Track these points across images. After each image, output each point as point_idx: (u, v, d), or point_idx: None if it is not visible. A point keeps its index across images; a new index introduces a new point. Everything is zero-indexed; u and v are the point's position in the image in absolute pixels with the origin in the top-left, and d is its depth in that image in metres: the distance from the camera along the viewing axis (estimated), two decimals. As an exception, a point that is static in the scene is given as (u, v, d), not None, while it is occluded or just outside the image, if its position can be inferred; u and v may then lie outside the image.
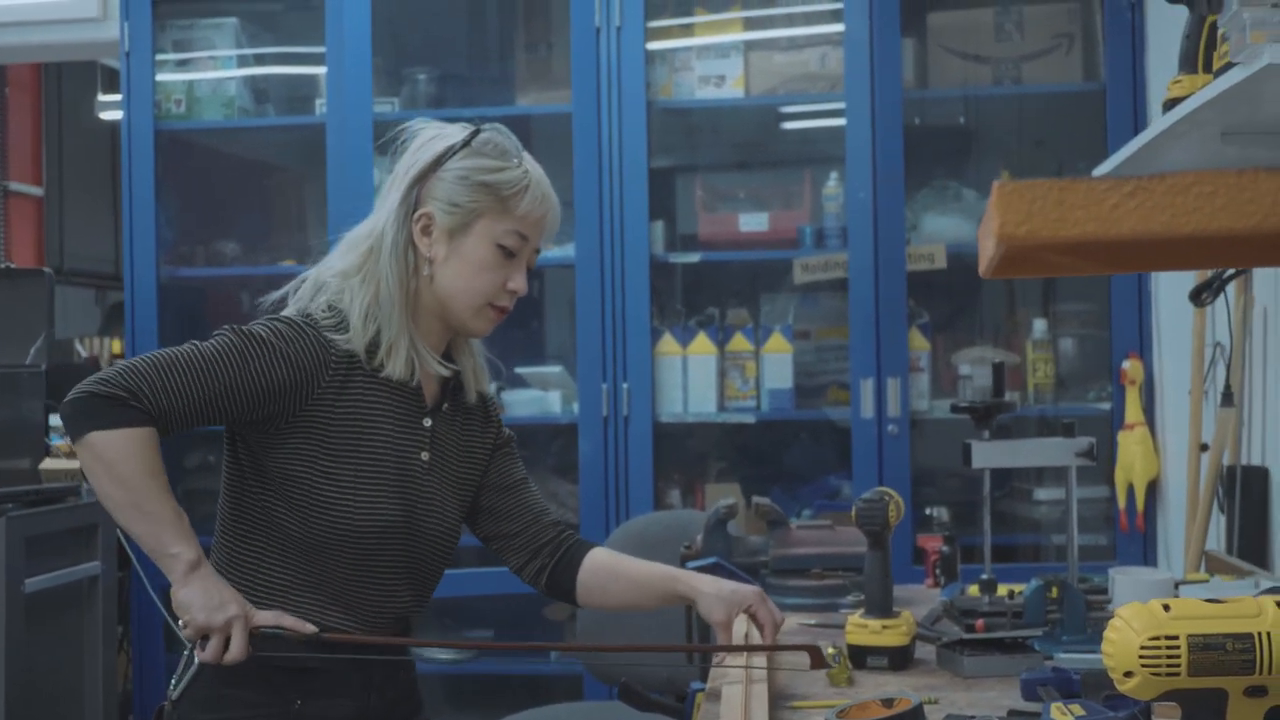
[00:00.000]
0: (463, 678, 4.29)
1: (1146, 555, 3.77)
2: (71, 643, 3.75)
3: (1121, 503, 3.78)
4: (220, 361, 1.89)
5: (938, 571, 2.95)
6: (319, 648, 1.96)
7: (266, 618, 1.92)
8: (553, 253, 4.12)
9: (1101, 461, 3.89)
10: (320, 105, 4.15)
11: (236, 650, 1.87)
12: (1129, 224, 0.92)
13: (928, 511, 3.93)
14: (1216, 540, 3.15)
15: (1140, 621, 1.21)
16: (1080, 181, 0.97)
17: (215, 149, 4.61)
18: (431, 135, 2.06)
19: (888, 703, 1.76)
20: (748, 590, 2.15)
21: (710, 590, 2.13)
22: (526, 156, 2.07)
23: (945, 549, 2.93)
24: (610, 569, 2.22)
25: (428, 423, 2.07)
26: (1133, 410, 3.75)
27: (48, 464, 3.77)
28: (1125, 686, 1.21)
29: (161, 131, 4.20)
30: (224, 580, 1.91)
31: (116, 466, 1.82)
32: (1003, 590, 2.53)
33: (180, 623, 1.89)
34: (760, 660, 2.10)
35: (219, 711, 1.98)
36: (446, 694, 4.28)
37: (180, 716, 2.00)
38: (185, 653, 2.02)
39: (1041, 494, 4.08)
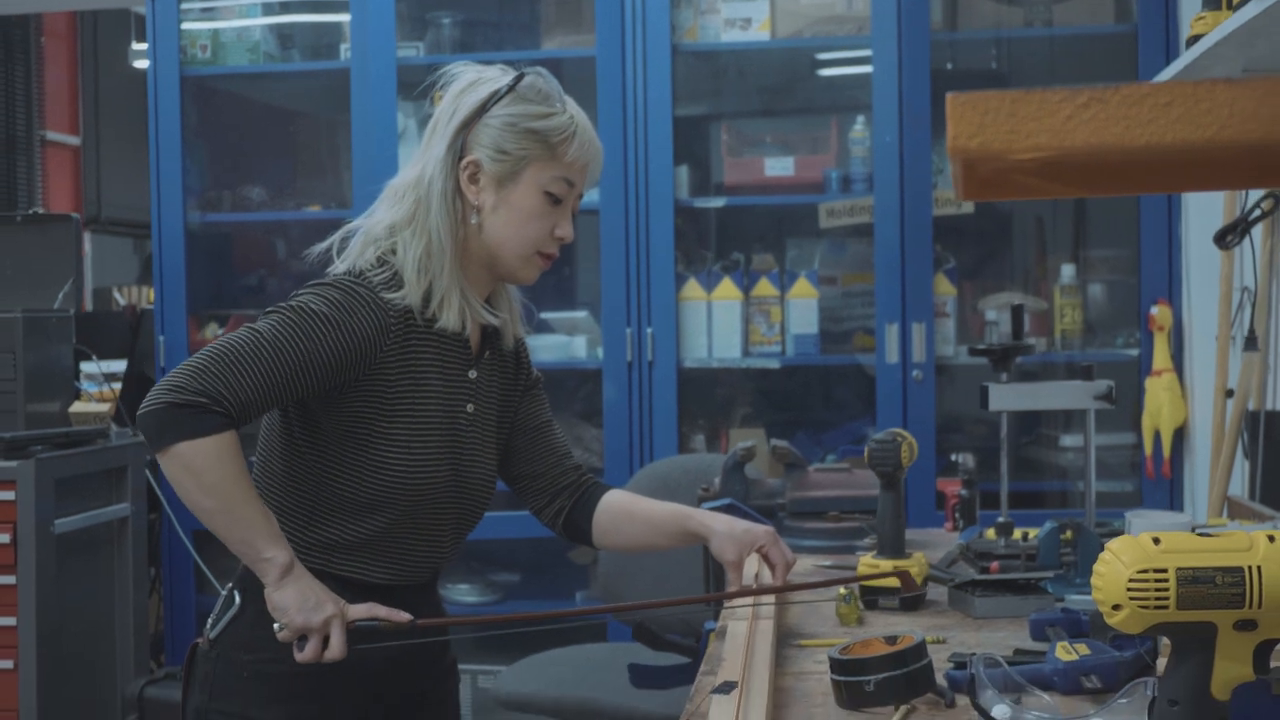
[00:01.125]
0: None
1: (1173, 502, 3.75)
2: (102, 583, 3.81)
3: (1148, 449, 3.75)
4: (285, 346, 1.85)
5: (957, 515, 2.95)
6: (413, 636, 1.94)
7: (360, 611, 1.90)
8: (578, 197, 4.12)
9: (1129, 408, 3.87)
10: (345, 50, 4.15)
11: (336, 649, 1.86)
12: (1083, 136, 0.90)
13: (953, 458, 3.92)
14: (1241, 485, 3.12)
15: (1129, 555, 1.20)
16: (1034, 93, 0.95)
17: (241, 95, 4.63)
18: (472, 80, 2.01)
19: (891, 640, 1.76)
20: (759, 530, 2.15)
21: (722, 529, 2.13)
22: (569, 100, 2.04)
23: (964, 493, 2.92)
24: (625, 510, 2.22)
25: (473, 374, 2.06)
26: (1160, 356, 3.72)
27: (77, 407, 3.81)
28: (1113, 620, 1.21)
29: (187, 78, 4.21)
30: (316, 579, 1.90)
31: (205, 475, 1.80)
32: (1019, 534, 2.53)
33: (276, 625, 1.87)
34: (771, 597, 2.10)
35: (258, 652, 1.97)
36: (475, 635, 4.31)
37: (218, 656, 2.00)
38: (224, 592, 2.04)
39: (1068, 440, 4.06)
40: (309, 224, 4.33)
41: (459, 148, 1.98)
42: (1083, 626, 1.98)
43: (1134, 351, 3.86)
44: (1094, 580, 1.22)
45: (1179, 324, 3.75)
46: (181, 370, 1.81)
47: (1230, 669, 1.21)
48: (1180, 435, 3.73)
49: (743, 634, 1.86)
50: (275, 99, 4.72)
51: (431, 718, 2.19)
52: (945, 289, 3.92)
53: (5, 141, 8.39)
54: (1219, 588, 1.19)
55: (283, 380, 1.84)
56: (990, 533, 2.68)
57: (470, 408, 2.05)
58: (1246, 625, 1.20)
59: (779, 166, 4.05)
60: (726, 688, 1.59)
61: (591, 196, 3.97)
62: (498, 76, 2.01)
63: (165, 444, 1.80)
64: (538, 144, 1.97)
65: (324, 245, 2.06)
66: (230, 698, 1.99)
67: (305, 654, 1.87)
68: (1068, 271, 3.97)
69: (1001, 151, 0.90)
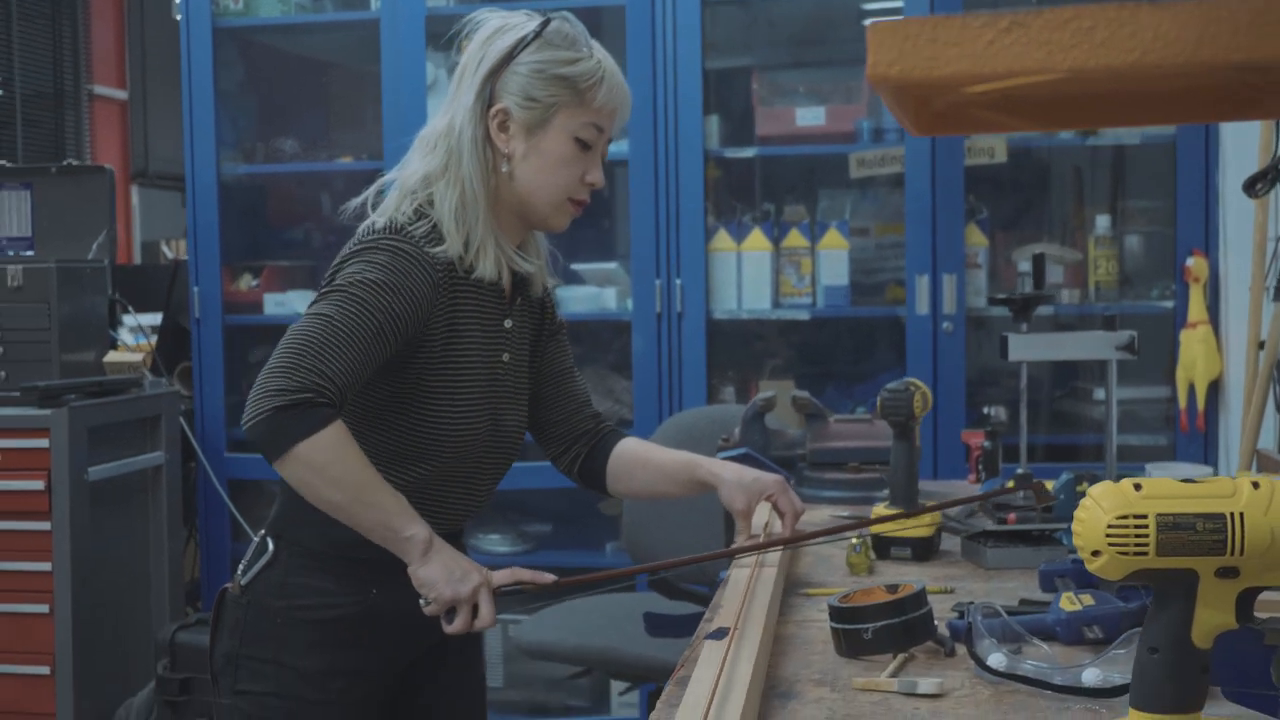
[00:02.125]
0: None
1: (1207, 456, 3.70)
2: (137, 531, 3.86)
3: (1182, 403, 3.71)
4: (357, 322, 1.82)
5: (979, 467, 2.93)
6: (556, 594, 1.95)
7: (504, 576, 1.89)
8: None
9: (1163, 361, 3.83)
10: (376, 1, 4.14)
11: (487, 617, 1.86)
12: (1004, 61, 0.87)
13: (985, 410, 3.89)
14: (1272, 438, 3.08)
15: (1109, 500, 1.19)
16: (954, 17, 0.92)
17: (275, 47, 4.63)
18: (498, 26, 1.99)
19: (892, 589, 1.75)
20: (768, 478, 2.13)
21: (731, 478, 2.12)
22: (596, 45, 2.01)
23: (987, 444, 2.90)
24: (637, 457, 2.22)
25: (508, 324, 2.05)
26: (1196, 308, 3.67)
27: (112, 357, 3.85)
28: (1093, 566, 1.19)
29: (220, 29, 4.23)
30: (456, 550, 1.89)
31: (329, 469, 1.78)
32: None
33: (423, 600, 1.86)
34: (775, 553, 2.09)
35: (291, 598, 1.97)
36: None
37: (250, 602, 2.00)
38: (256, 539, 2.04)
39: (1103, 394, 4.01)
40: (342, 175, 4.34)
41: (487, 96, 1.96)
42: (1092, 578, 1.96)
43: (1169, 304, 3.81)
44: (1074, 526, 1.20)
45: (1215, 275, 3.70)
46: (271, 373, 1.77)
47: (1212, 617, 1.19)
48: (1215, 388, 3.68)
49: (744, 581, 1.86)
50: (307, 51, 4.72)
51: (457, 666, 2.19)
52: (977, 240, 3.88)
53: (53, 97, 8.45)
54: (1200, 534, 1.17)
55: (365, 356, 1.82)
56: (1011, 484, 2.66)
57: (506, 356, 2.05)
58: (1228, 572, 1.18)
59: (810, 116, 4.01)
60: (719, 634, 1.59)
61: (621, 147, 3.97)
62: (524, 22, 1.98)
63: (284, 449, 1.76)
64: (566, 90, 1.95)
65: (359, 200, 2.05)
66: (262, 644, 1.98)
67: (456, 625, 1.86)
68: (1102, 222, 3.92)
69: (922, 80, 0.89)
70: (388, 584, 1.95)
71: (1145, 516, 1.17)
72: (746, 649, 1.52)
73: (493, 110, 1.95)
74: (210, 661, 2.05)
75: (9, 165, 4.07)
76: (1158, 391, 3.89)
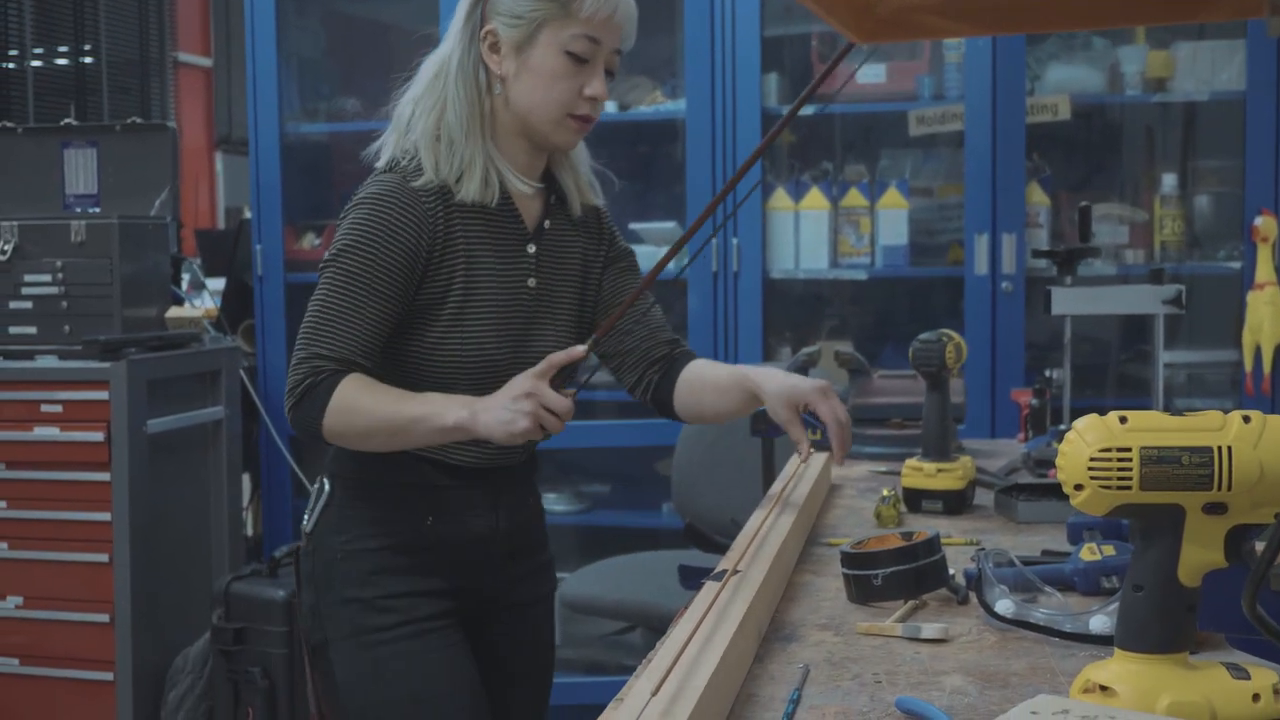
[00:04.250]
0: (580, 528, 4.36)
1: (1273, 420, 3.60)
2: (196, 483, 3.91)
3: (1248, 366, 3.62)
4: (349, 291, 1.86)
5: (1028, 425, 2.88)
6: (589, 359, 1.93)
7: (541, 369, 1.83)
8: (664, 105, 4.08)
9: (1230, 323, 3.74)
10: (436, -40, 4.14)
11: (561, 405, 1.80)
12: None
13: (1046, 372, 3.83)
14: (1335, 401, 3.00)
15: (1093, 434, 1.15)
16: None
17: (337, 10, 4.66)
18: None
19: (907, 535, 1.73)
20: (807, 385, 2.03)
21: (773, 387, 2.04)
22: None
23: (1035, 403, 2.85)
24: (698, 377, 2.14)
25: (531, 248, 2.03)
26: (1264, 269, 3.58)
27: (174, 313, 3.90)
28: (1076, 500, 1.16)
29: (287, -11, 4.26)
30: (489, 394, 1.86)
31: (355, 425, 1.84)
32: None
33: (515, 443, 1.84)
34: (795, 502, 2.07)
35: (349, 531, 2.00)
36: (564, 543, 4.35)
37: (315, 548, 2.03)
38: (315, 485, 2.07)
39: (1169, 357, 3.93)
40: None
41: (478, 18, 1.97)
42: (1122, 530, 1.92)
43: (1236, 264, 3.71)
44: (1058, 460, 1.17)
45: (1285, 235, 3.60)
46: (288, 377, 1.88)
47: (1199, 554, 1.16)
48: (1282, 352, 3.58)
49: (753, 528, 1.84)
50: (370, 14, 4.75)
51: (532, 616, 2.18)
52: (1039, 198, 3.81)
53: (139, 64, 8.58)
54: (1185, 468, 1.13)
55: (364, 318, 1.87)
56: (1057, 442, 2.62)
57: (531, 282, 2.02)
58: (1216, 508, 1.14)
59: (870, 74, 3.95)
60: (718, 575, 1.57)
61: (678, 105, 3.94)
62: None
63: (315, 433, 1.86)
64: (549, 3, 1.93)
65: (375, 145, 2.06)
66: (332, 587, 2.00)
67: (547, 422, 1.81)
68: (1169, 181, 3.83)
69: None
70: (445, 511, 2.01)
71: (1129, 450, 1.14)
72: (744, 590, 1.50)
73: (483, 32, 1.96)
74: (303, 625, 2.07)
75: (76, 124, 4.12)
76: (1224, 355, 3.80)
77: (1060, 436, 2.52)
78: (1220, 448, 1.13)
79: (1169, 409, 3.69)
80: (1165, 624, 1.17)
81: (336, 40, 4.66)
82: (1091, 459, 1.15)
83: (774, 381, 2.05)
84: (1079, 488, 1.16)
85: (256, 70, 4.22)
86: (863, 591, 1.70)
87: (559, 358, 1.84)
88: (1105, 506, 1.15)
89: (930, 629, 1.54)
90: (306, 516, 2.06)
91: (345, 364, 1.85)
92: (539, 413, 1.80)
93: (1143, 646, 1.17)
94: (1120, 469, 1.14)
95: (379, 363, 1.93)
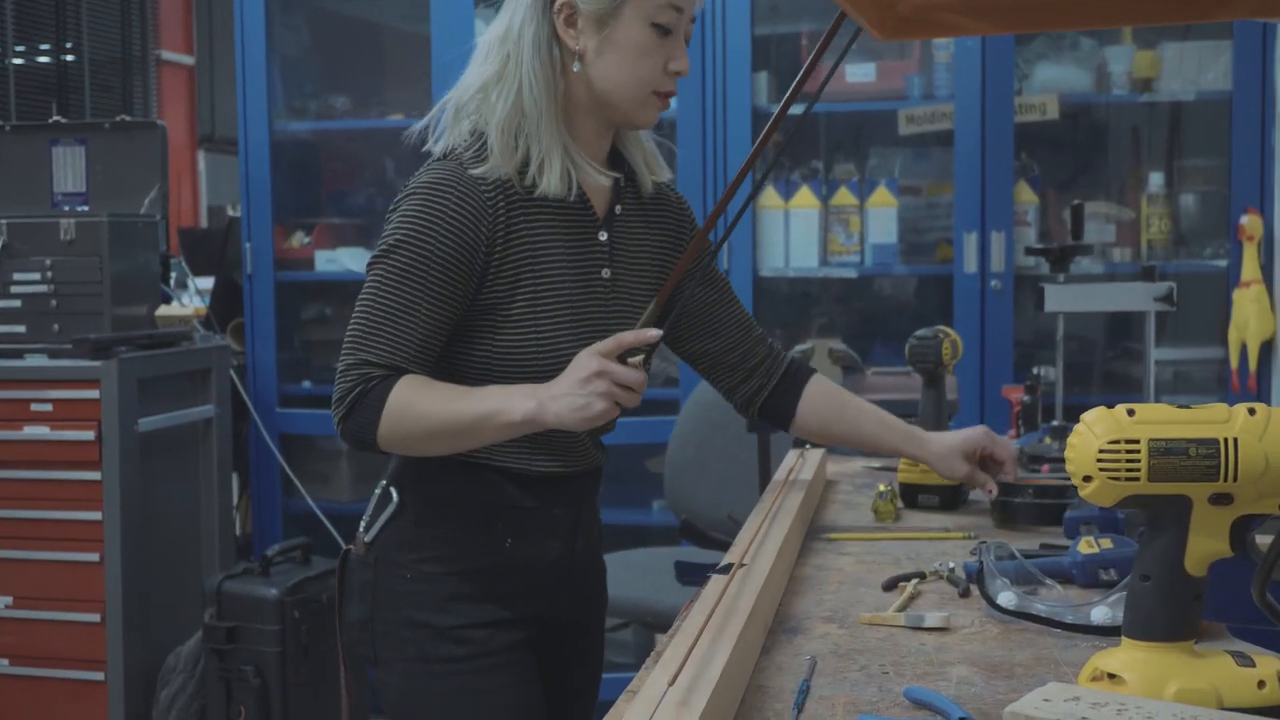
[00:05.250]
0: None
1: (1259, 417, 3.64)
2: (187, 482, 3.91)
3: (1234, 363, 3.65)
4: (403, 289, 1.74)
5: (1019, 421, 2.90)
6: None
7: (609, 345, 1.67)
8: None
9: (1216, 320, 3.77)
10: (426, -42, 4.16)
11: (634, 379, 1.66)
12: None
13: (1035, 370, 3.85)
14: (1322, 397, 3.03)
15: (1102, 426, 1.17)
16: None
17: (327, 9, 4.66)
18: None
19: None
20: (975, 435, 2.07)
21: (941, 450, 2.07)
22: None
23: (1026, 399, 2.87)
24: (837, 405, 2.10)
25: (603, 236, 1.88)
26: (1250, 267, 3.61)
27: (163, 311, 3.90)
28: (1085, 491, 1.18)
29: (276, -13, 4.26)
30: (552, 379, 1.71)
31: (415, 430, 1.71)
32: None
33: (592, 427, 1.70)
34: (796, 497, 2.08)
35: (422, 550, 1.86)
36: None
37: (377, 559, 1.88)
38: (378, 491, 1.92)
39: (1158, 354, 3.96)
40: (393, 132, 4.35)
41: None
42: (1118, 525, 1.94)
43: (1223, 262, 3.75)
44: (1066, 452, 1.19)
45: (1270, 234, 3.63)
46: (335, 386, 1.75)
47: (1205, 544, 1.18)
48: (1268, 349, 3.62)
49: (756, 522, 1.85)
50: (360, 13, 4.75)
51: (593, 638, 2.10)
52: (1027, 197, 3.83)
53: (121, 61, 8.56)
54: (1192, 459, 1.15)
55: (419, 317, 1.74)
56: (1049, 438, 2.64)
57: (606, 273, 1.88)
58: (1222, 499, 1.16)
59: (860, 73, 3.97)
60: (725, 569, 1.59)
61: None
62: None
63: (371, 445, 1.74)
64: None
65: (422, 123, 1.91)
66: (396, 606, 1.86)
67: (623, 399, 1.67)
68: (1155, 180, 3.86)
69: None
70: (525, 533, 1.88)
71: (1137, 441, 1.16)
72: (751, 583, 1.51)
73: (557, 5, 1.79)
74: (338, 629, 1.94)
75: (65, 121, 4.12)
76: (1210, 352, 3.84)
77: (1052, 432, 2.55)
78: (1226, 440, 1.15)
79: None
80: (1172, 613, 1.19)
81: (322, 38, 4.66)
82: (1100, 451, 1.16)
83: (938, 446, 2.08)
84: (1088, 479, 1.17)
85: (246, 69, 4.22)
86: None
87: (628, 338, 1.67)
88: (1114, 497, 1.17)
89: (933, 618, 1.55)
90: (365, 523, 1.91)
91: (396, 371, 1.73)
92: (613, 390, 1.65)
93: (1150, 635, 1.19)
94: (1129, 461, 1.16)
95: (435, 370, 1.80)
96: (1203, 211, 3.94)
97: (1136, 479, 1.16)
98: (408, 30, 4.68)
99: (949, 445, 2.07)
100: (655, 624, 3.03)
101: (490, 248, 1.77)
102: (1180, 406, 1.18)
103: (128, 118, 4.07)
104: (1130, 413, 1.17)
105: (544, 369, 1.79)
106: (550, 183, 1.79)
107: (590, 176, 1.85)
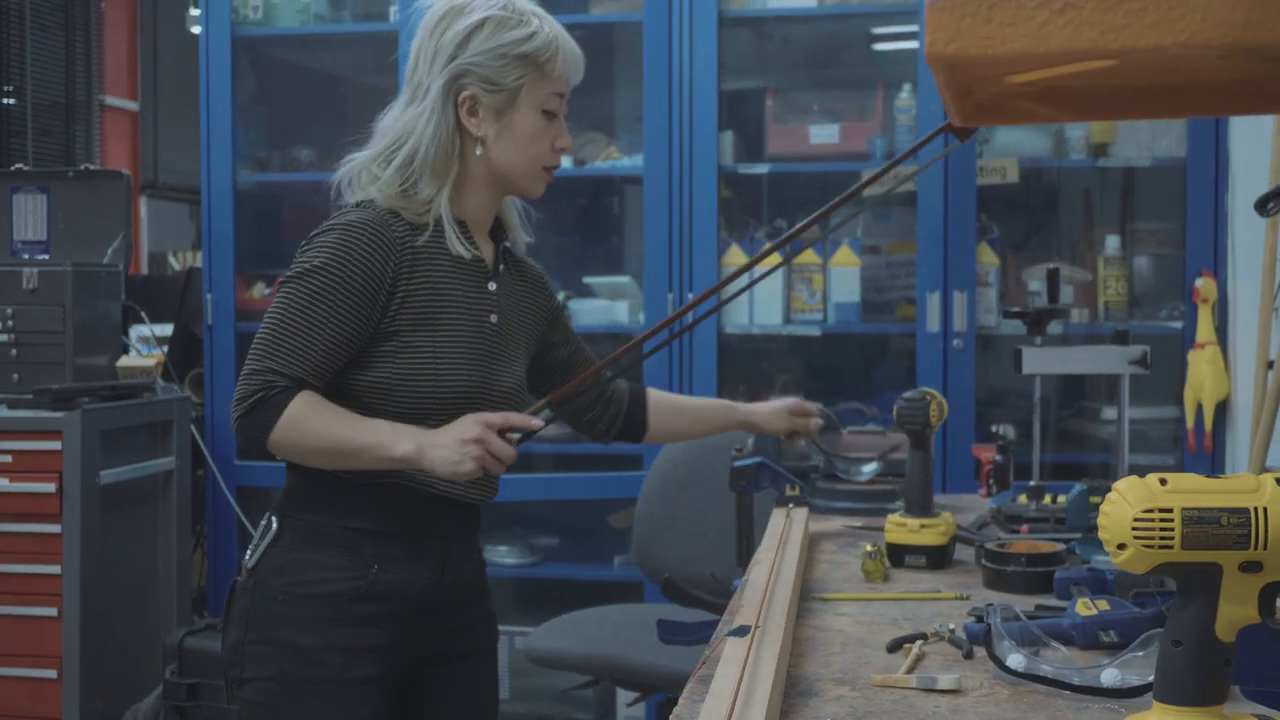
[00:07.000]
0: (530, 581, 4.36)
1: (1214, 475, 3.71)
2: (146, 535, 3.87)
3: (1190, 423, 3.73)
4: (309, 309, 1.92)
5: (991, 481, 2.95)
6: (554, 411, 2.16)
7: (496, 419, 1.92)
8: (621, 162, 4.13)
9: (1171, 381, 3.84)
10: (394, 12, 4.17)
11: (505, 453, 1.91)
12: (1058, 41, 0.90)
13: (993, 428, 3.91)
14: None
15: (1135, 495, 1.20)
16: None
17: (292, 61, 4.66)
18: (443, 10, 2.04)
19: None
20: (787, 401, 2.61)
21: (766, 409, 2.57)
22: (538, 9, 2.08)
23: (998, 459, 2.92)
24: (672, 406, 2.52)
25: (492, 286, 2.11)
26: (1204, 329, 3.69)
27: (124, 361, 3.87)
28: (1119, 559, 1.21)
29: (239, 38, 4.26)
30: (439, 428, 1.93)
31: (304, 441, 1.90)
32: (1049, 499, 2.54)
33: (459, 480, 1.95)
34: (793, 556, 2.10)
35: (293, 574, 2.00)
36: (514, 596, 4.35)
37: (255, 584, 2.02)
38: (263, 521, 2.06)
39: (1110, 413, 4.03)
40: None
41: (452, 86, 2.02)
42: (1107, 586, 1.98)
43: (1178, 324, 3.83)
44: (1100, 520, 1.22)
45: (1224, 297, 3.72)
46: (238, 385, 1.93)
47: (1235, 611, 1.21)
48: (1223, 409, 3.69)
49: (762, 583, 1.87)
50: (325, 65, 4.76)
51: (472, 670, 2.19)
52: (989, 258, 3.90)
53: (65, 106, 8.49)
54: (1224, 528, 1.18)
55: (323, 336, 1.92)
56: (1023, 497, 2.68)
57: (494, 318, 2.10)
58: (1252, 567, 1.20)
59: (824, 134, 4.03)
60: (742, 631, 1.60)
61: (635, 161, 3.99)
62: (470, 4, 2.03)
63: (260, 443, 1.92)
64: (529, 67, 2.03)
65: (336, 176, 2.10)
66: (266, 627, 2.00)
67: (491, 468, 1.92)
68: (1112, 242, 3.95)
69: (977, 58, 0.91)
70: (389, 561, 2.02)
71: (1170, 510, 1.19)
72: (769, 646, 1.53)
73: (461, 98, 2.02)
74: (223, 658, 2.06)
75: (27, 169, 4.08)
76: (1166, 412, 3.91)
77: (1029, 492, 2.59)
78: (1257, 509, 1.19)
79: (1112, 464, 3.75)
80: (1203, 677, 1.21)
81: (277, 89, 4.66)
82: (1135, 519, 1.19)
83: (762, 407, 2.56)
84: (1122, 546, 1.20)
85: (210, 118, 4.22)
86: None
87: (515, 418, 1.93)
88: (1148, 564, 1.20)
89: (945, 679, 1.57)
90: (250, 551, 2.05)
91: (298, 382, 1.91)
92: (485, 457, 1.89)
93: (1182, 699, 1.22)
94: (1163, 529, 1.19)
95: (338, 388, 1.98)
96: (1157, 274, 4.03)
97: (1170, 547, 1.19)
98: (369, 82, 4.69)
99: (772, 408, 2.60)
100: (629, 681, 3.04)
101: (395, 282, 1.97)
102: (1209, 477, 1.21)
103: (91, 166, 4.05)
104: (1163, 482, 1.20)
105: (439, 396, 2.00)
106: (453, 244, 2.03)
107: (458, 248, 2.04)
